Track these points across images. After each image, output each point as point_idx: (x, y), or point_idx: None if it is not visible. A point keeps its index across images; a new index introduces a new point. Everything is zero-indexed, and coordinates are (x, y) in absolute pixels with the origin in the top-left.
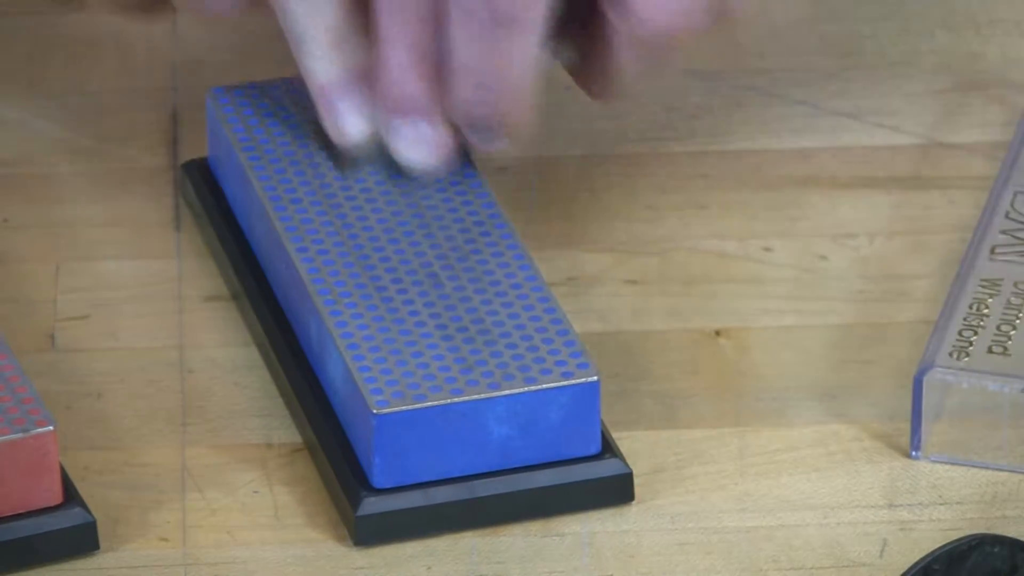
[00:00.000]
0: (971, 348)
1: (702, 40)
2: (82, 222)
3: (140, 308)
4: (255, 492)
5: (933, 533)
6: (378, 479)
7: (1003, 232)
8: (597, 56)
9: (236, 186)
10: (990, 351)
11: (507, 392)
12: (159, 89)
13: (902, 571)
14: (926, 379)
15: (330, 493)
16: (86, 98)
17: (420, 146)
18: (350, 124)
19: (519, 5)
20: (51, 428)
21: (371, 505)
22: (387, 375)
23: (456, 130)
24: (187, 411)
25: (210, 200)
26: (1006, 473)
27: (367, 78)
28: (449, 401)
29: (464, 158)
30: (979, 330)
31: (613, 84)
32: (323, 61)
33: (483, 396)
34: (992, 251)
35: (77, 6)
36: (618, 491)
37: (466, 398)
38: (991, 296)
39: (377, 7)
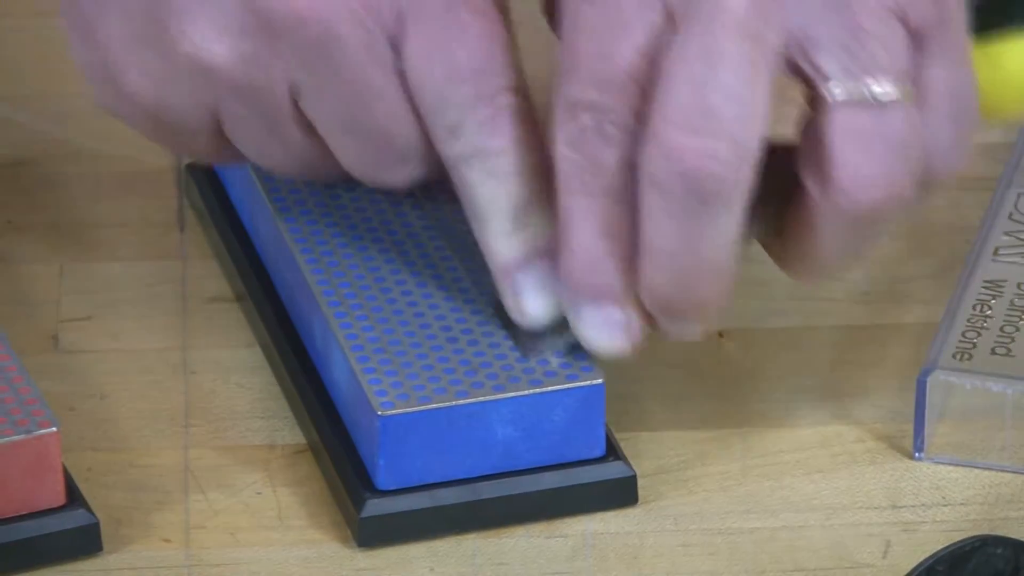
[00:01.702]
0: (974, 349)
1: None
2: (86, 223)
3: (144, 309)
4: (258, 493)
5: (936, 534)
6: (382, 481)
7: (1007, 233)
8: (796, 232)
9: (241, 188)
10: (993, 352)
11: (511, 394)
12: None
13: (905, 572)
14: (929, 380)
15: (334, 494)
16: (90, 100)
17: (608, 331)
18: (533, 305)
19: (720, 177)
20: (54, 429)
21: (375, 506)
22: (391, 377)
23: (646, 314)
24: (190, 412)
25: (214, 202)
26: (1009, 474)
27: (551, 256)
28: (453, 403)
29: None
30: (982, 331)
31: (815, 262)
32: (506, 239)
33: (487, 398)
34: (995, 252)
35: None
36: (622, 493)
37: (470, 400)
38: (994, 297)
39: (560, 182)
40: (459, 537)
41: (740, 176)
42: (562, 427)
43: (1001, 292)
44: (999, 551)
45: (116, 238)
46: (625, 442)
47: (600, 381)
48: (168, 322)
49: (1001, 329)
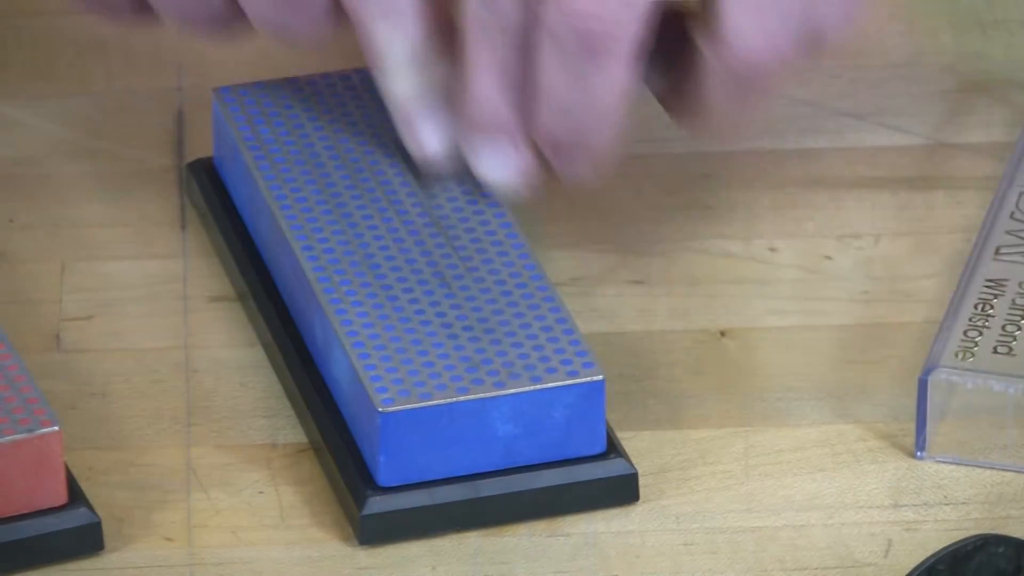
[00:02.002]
0: (976, 348)
1: (795, 72)
2: (87, 222)
3: (145, 308)
4: (260, 492)
5: (938, 533)
6: (383, 478)
7: (1008, 232)
8: (688, 86)
9: (241, 186)
10: (995, 351)
11: (512, 391)
12: (164, 89)
13: (907, 571)
14: (931, 379)
15: (335, 493)
16: (91, 98)
17: (502, 166)
18: (430, 139)
19: (609, 33)
20: (56, 428)
21: (376, 504)
22: (392, 374)
23: (539, 153)
24: (192, 411)
25: (215, 200)
26: (1011, 473)
27: (447, 96)
28: (454, 400)
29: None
30: (984, 330)
31: (704, 115)
32: (403, 77)
33: (488, 395)
34: (997, 251)
35: (153, 24)
36: (623, 491)
37: (471, 397)
38: (996, 296)
39: (466, 28)
40: (461, 535)
41: (629, 32)
42: (563, 424)
43: (1003, 291)
44: (1001, 550)
45: (117, 237)
46: (626, 440)
47: (601, 378)
48: (169, 321)
49: (1003, 328)
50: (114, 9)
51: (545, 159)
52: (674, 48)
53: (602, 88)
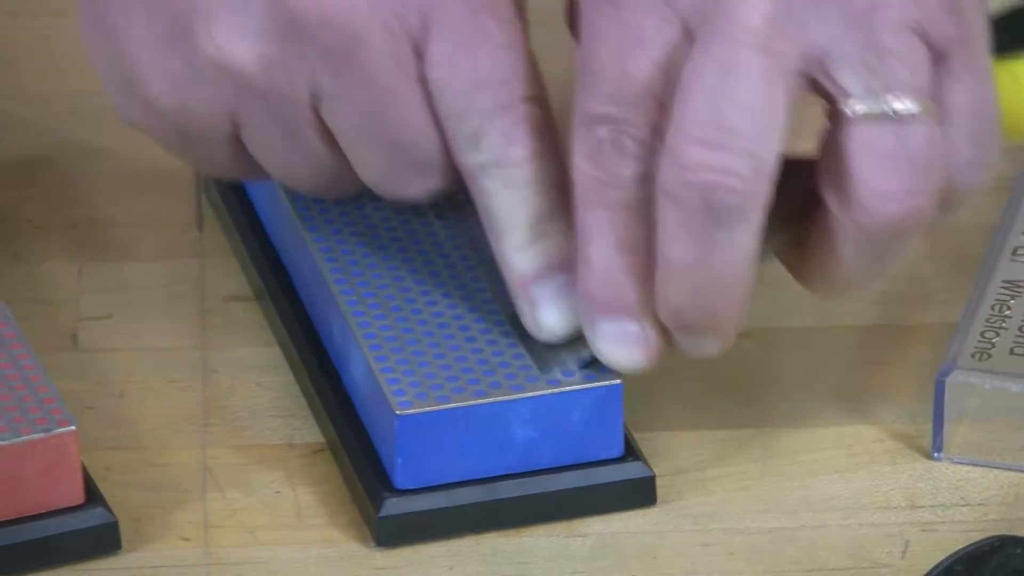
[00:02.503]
0: (993, 350)
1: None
2: (105, 222)
3: (163, 308)
4: (277, 492)
5: (955, 534)
6: (400, 480)
7: None
8: (816, 248)
9: (260, 186)
10: (1012, 352)
11: (530, 394)
12: None
13: (924, 572)
14: (948, 381)
15: (352, 493)
16: (108, 99)
17: (625, 345)
18: (549, 318)
19: (740, 196)
20: (73, 428)
21: (393, 506)
22: (410, 376)
23: (663, 329)
24: (209, 411)
25: (233, 200)
26: None
27: (568, 270)
28: (472, 403)
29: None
30: (1001, 332)
31: (835, 278)
32: (523, 251)
33: (506, 398)
34: (1014, 253)
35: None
36: (640, 493)
37: (489, 400)
38: (1013, 298)
39: (578, 196)
40: (478, 536)
41: (756, 191)
42: (580, 427)
43: (1020, 292)
44: (1018, 551)
45: (135, 237)
46: (644, 442)
47: (618, 381)
48: (187, 321)
49: (1020, 329)
50: (221, 169)
51: (667, 332)
52: (799, 205)
53: (729, 254)
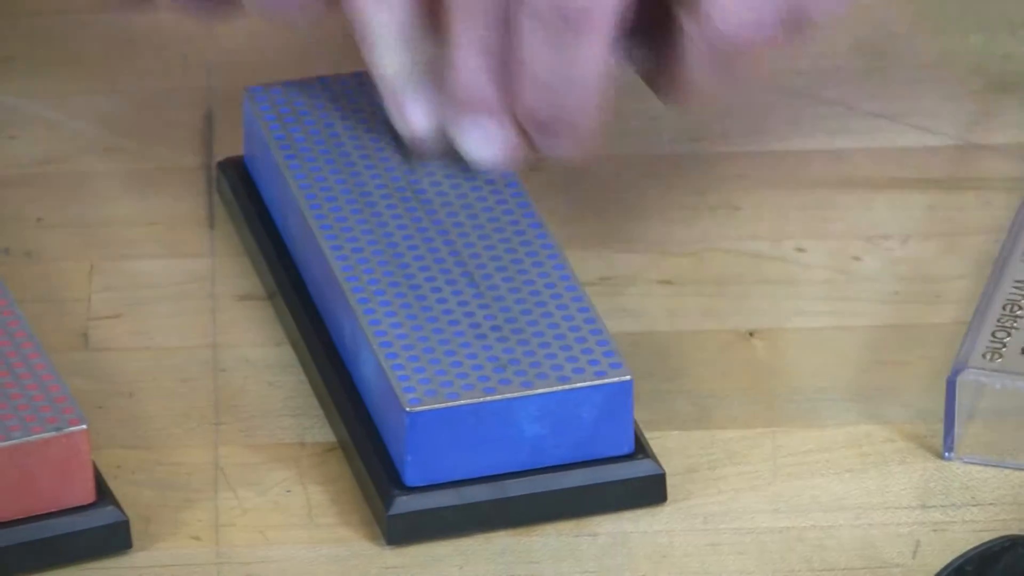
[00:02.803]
0: (1004, 349)
1: (780, 50)
2: (116, 221)
3: (173, 307)
4: (288, 491)
5: (966, 534)
6: (410, 478)
7: None
8: (670, 61)
9: (271, 185)
10: (1023, 352)
11: (540, 391)
12: (194, 88)
13: (935, 572)
14: (959, 380)
15: (363, 492)
16: (120, 96)
17: (487, 144)
18: (416, 116)
19: (588, 8)
20: (84, 427)
21: (403, 504)
22: (420, 373)
23: (523, 131)
24: (220, 410)
25: (245, 199)
26: None
27: (435, 74)
28: (482, 400)
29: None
30: (1012, 331)
31: (686, 91)
32: (391, 54)
33: (516, 395)
34: None
35: (147, 6)
36: (651, 491)
37: (499, 397)
38: None
39: (449, 6)
40: (488, 535)
41: (608, 6)
42: (590, 424)
43: None
44: None
45: (146, 236)
46: (654, 441)
47: (628, 378)
48: (198, 320)
49: None
50: None
51: (529, 136)
52: (656, 23)
53: (582, 63)
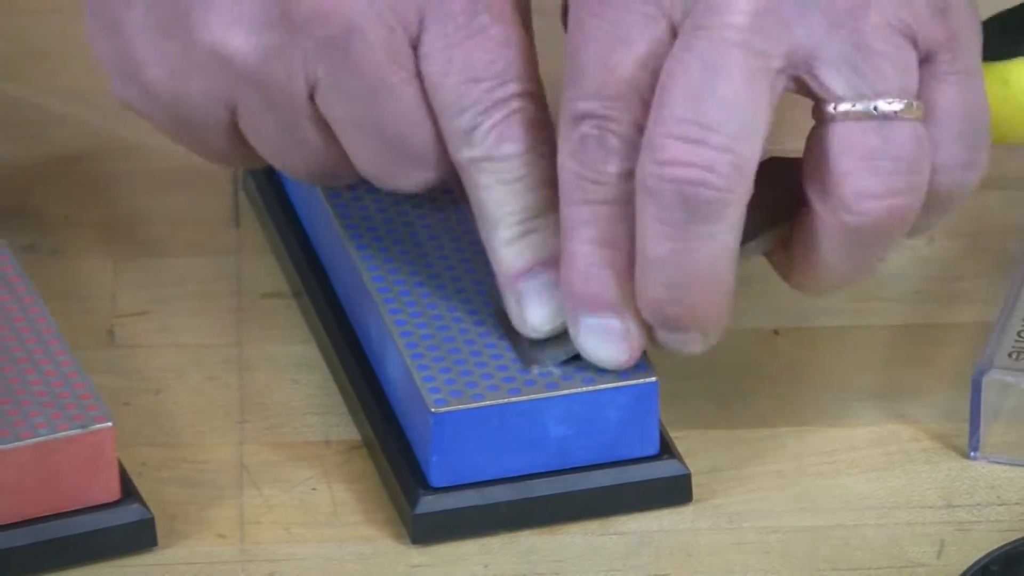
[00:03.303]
0: None
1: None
2: (141, 218)
3: (199, 305)
4: (313, 489)
5: (991, 534)
6: (435, 477)
7: None
8: (801, 247)
9: (298, 184)
10: None
11: (565, 392)
12: None
13: (960, 571)
14: (985, 380)
15: (388, 491)
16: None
17: (606, 341)
18: (535, 314)
19: (715, 193)
20: (109, 424)
21: (428, 503)
22: (445, 374)
23: (646, 325)
24: (245, 408)
25: (271, 197)
26: None
27: (555, 266)
28: (507, 400)
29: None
30: None
31: (820, 276)
32: (512, 246)
33: (541, 396)
34: None
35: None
36: (676, 491)
37: (524, 398)
38: None
39: (563, 192)
40: (513, 534)
41: (734, 188)
42: (615, 425)
43: None
44: None
45: (172, 233)
46: (679, 440)
47: (653, 379)
48: (223, 318)
49: None
50: (218, 156)
51: (650, 328)
52: (781, 200)
53: (707, 250)
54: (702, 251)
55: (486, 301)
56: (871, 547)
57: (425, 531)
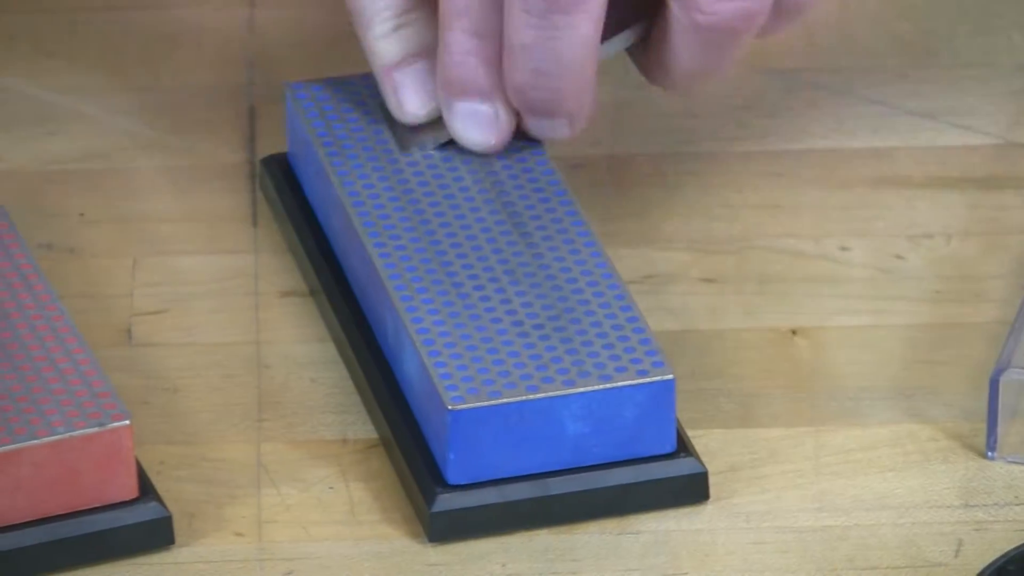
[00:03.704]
0: None
1: (764, 38)
2: (159, 217)
3: (216, 303)
4: (330, 488)
5: (1008, 533)
6: (453, 475)
7: None
8: (659, 44)
9: (315, 182)
10: None
11: (582, 389)
12: (236, 84)
13: (977, 571)
14: (1002, 379)
15: (405, 489)
16: (163, 93)
17: (478, 126)
18: (411, 102)
19: None
20: (127, 422)
21: (446, 501)
22: (462, 371)
23: (516, 113)
24: (263, 406)
25: (288, 195)
26: None
27: (428, 57)
28: (524, 398)
29: (524, 139)
30: None
31: (672, 71)
32: (386, 40)
33: (558, 393)
34: None
35: None
36: (693, 490)
37: (541, 395)
38: None
39: None
40: (531, 533)
41: None
42: (633, 423)
43: None
44: None
45: (189, 232)
46: (696, 439)
47: (671, 377)
48: (241, 316)
49: None
50: None
51: (522, 118)
52: (648, 7)
53: (571, 44)
54: (563, 39)
55: (504, 298)
56: (888, 547)
57: (442, 529)
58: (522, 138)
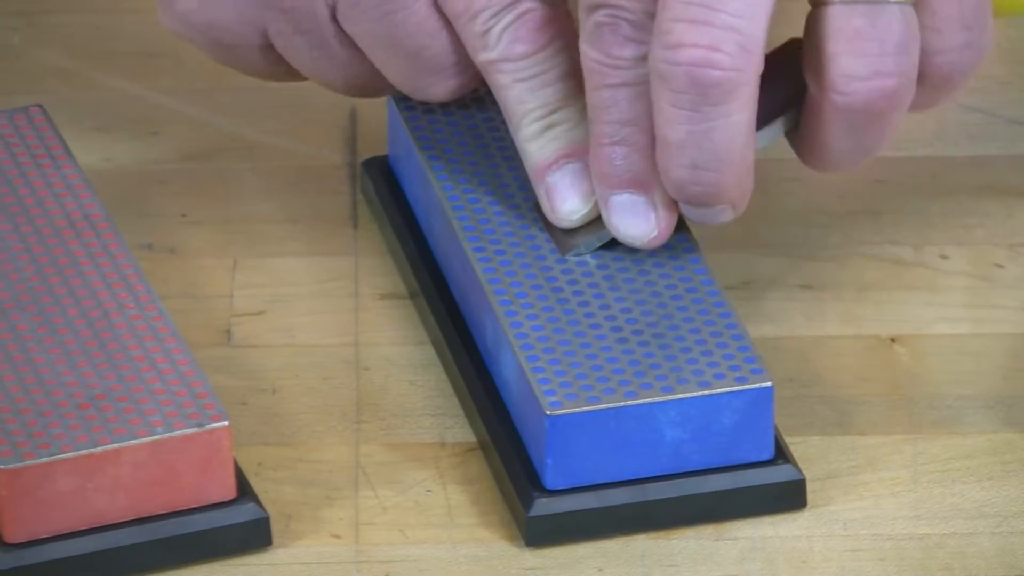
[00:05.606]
0: None
1: (923, 111)
2: (259, 218)
3: (316, 305)
4: (428, 491)
5: None
6: (550, 480)
7: None
8: (810, 128)
9: (415, 185)
10: None
11: (680, 396)
12: None
13: None
14: None
15: (502, 493)
16: (265, 95)
17: (635, 218)
18: (564, 204)
19: (725, 74)
20: (225, 423)
21: (543, 506)
22: (561, 376)
23: (672, 202)
24: (361, 408)
25: (388, 198)
26: None
27: (582, 156)
28: (622, 404)
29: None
30: None
31: (824, 156)
32: (537, 140)
33: (656, 399)
34: None
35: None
36: (790, 497)
37: (639, 401)
38: None
39: (586, 79)
40: (627, 538)
41: (742, 67)
42: (731, 429)
43: None
44: None
45: (289, 233)
46: (794, 445)
47: (769, 384)
48: (340, 318)
49: None
50: (262, 74)
51: (676, 205)
52: (798, 81)
53: (722, 129)
54: (718, 131)
55: (602, 304)
56: (986, 555)
57: (539, 533)
58: None
